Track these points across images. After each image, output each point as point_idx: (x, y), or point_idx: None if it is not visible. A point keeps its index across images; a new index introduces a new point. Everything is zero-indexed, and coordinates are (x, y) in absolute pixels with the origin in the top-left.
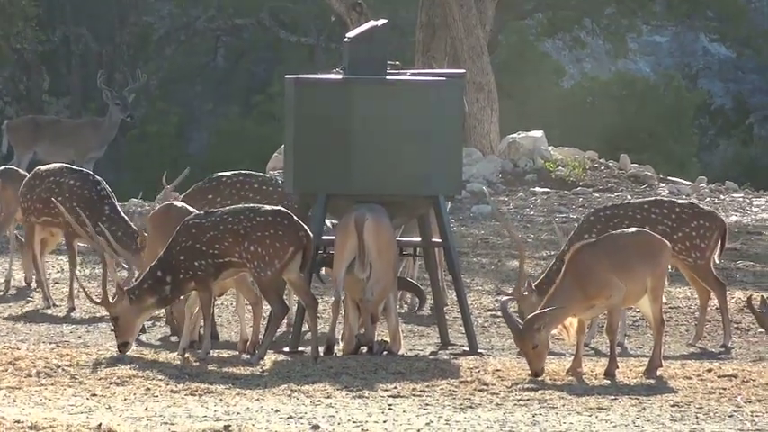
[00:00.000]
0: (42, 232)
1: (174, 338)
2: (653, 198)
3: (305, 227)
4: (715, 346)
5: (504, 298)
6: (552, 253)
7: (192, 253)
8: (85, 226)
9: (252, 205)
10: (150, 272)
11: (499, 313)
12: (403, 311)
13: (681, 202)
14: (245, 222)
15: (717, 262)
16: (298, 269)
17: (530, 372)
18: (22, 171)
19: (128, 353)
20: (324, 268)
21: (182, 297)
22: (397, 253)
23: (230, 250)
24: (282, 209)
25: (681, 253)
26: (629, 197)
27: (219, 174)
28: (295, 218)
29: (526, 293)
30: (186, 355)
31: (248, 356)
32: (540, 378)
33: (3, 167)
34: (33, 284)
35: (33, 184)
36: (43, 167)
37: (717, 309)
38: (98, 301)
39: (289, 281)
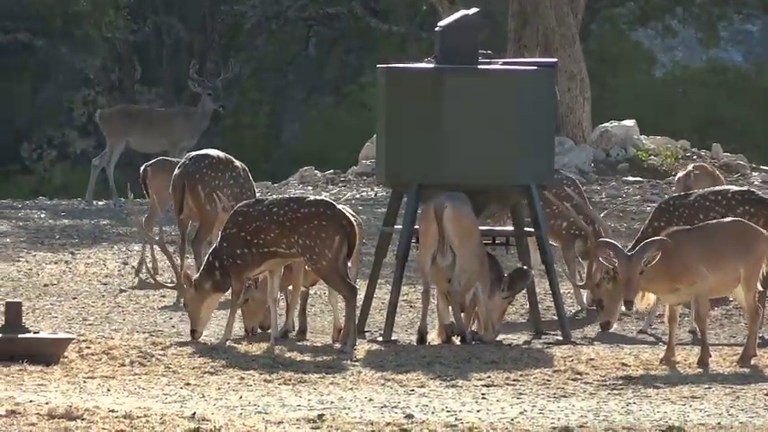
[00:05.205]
0: None
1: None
2: (718, 188)
3: (348, 216)
4: None
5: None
6: None
7: (234, 240)
8: None
9: (297, 196)
10: (207, 258)
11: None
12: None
13: (735, 189)
14: (290, 214)
15: None
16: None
17: (624, 299)
18: (174, 159)
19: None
20: None
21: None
22: (480, 241)
23: (276, 241)
24: (325, 199)
25: None
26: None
27: None
28: (338, 207)
29: (598, 282)
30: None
31: (341, 345)
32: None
33: (157, 159)
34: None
35: None
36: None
37: None
38: (171, 286)
39: None
